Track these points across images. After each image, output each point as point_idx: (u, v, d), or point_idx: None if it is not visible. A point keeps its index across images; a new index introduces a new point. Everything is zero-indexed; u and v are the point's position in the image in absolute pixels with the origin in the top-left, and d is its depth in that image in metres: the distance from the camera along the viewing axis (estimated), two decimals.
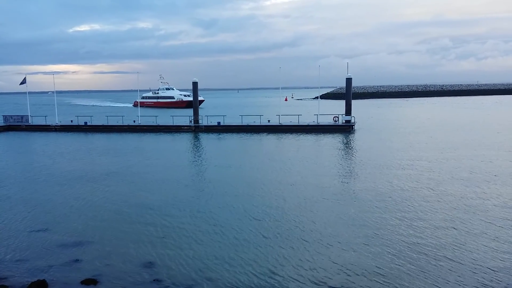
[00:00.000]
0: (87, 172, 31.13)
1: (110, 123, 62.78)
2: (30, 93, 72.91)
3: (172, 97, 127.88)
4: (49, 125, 63.53)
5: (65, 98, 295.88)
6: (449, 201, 21.49)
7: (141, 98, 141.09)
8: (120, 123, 62.47)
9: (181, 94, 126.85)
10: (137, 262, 15.19)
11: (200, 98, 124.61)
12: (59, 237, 17.88)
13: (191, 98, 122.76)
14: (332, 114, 58.45)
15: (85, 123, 63.13)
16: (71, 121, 65.80)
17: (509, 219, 18.54)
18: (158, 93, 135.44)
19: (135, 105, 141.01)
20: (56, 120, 65.54)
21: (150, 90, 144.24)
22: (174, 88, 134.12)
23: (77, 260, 15.45)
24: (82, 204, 22.64)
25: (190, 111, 61.93)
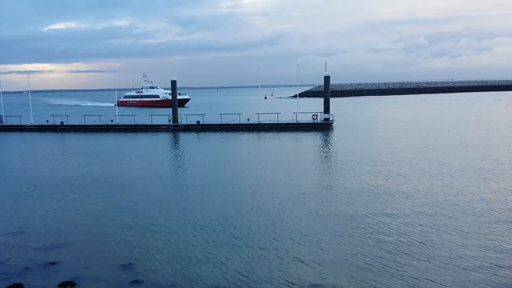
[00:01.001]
0: (61, 173, 30.66)
1: (87, 123, 61.89)
2: (4, 93, 71.31)
3: (157, 96, 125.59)
4: (23, 125, 62.27)
5: (40, 97, 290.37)
6: (418, 197, 21.94)
7: (124, 97, 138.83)
8: (97, 123, 61.67)
9: (166, 93, 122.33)
10: (115, 264, 15.09)
11: (186, 97, 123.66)
12: (34, 239, 17.62)
13: (178, 97, 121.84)
14: (311, 112, 58.92)
15: (61, 123, 62.06)
16: (47, 121, 64.66)
17: (475, 215, 19.06)
18: (141, 92, 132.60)
19: (117, 104, 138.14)
20: (31, 120, 64.27)
21: (133, 89, 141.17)
22: (159, 87, 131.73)
23: (54, 263, 15.26)
24: (57, 206, 22.31)
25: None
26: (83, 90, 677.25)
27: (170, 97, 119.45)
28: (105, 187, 26.25)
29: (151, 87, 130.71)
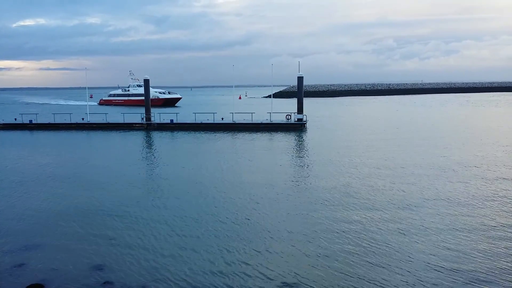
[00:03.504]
0: (27, 172, 29.90)
1: (57, 121, 60.55)
2: None
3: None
4: None
5: (10, 95, 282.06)
6: (384, 196, 22.33)
7: (109, 96, 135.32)
8: (67, 121, 60.37)
9: (156, 91, 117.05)
10: (85, 265, 14.83)
11: (177, 96, 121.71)
12: (1, 241, 17.12)
13: (168, 96, 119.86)
14: (285, 112, 59.23)
15: (30, 121, 60.49)
16: (15, 119, 62.93)
17: (441, 215, 19.58)
18: (128, 90, 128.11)
19: (101, 103, 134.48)
20: None
21: (118, 87, 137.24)
22: None
23: (22, 265, 14.87)
24: (25, 207, 21.71)
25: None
26: (55, 88, 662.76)
27: (160, 96, 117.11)
28: (75, 187, 25.72)
29: (139, 86, 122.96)
